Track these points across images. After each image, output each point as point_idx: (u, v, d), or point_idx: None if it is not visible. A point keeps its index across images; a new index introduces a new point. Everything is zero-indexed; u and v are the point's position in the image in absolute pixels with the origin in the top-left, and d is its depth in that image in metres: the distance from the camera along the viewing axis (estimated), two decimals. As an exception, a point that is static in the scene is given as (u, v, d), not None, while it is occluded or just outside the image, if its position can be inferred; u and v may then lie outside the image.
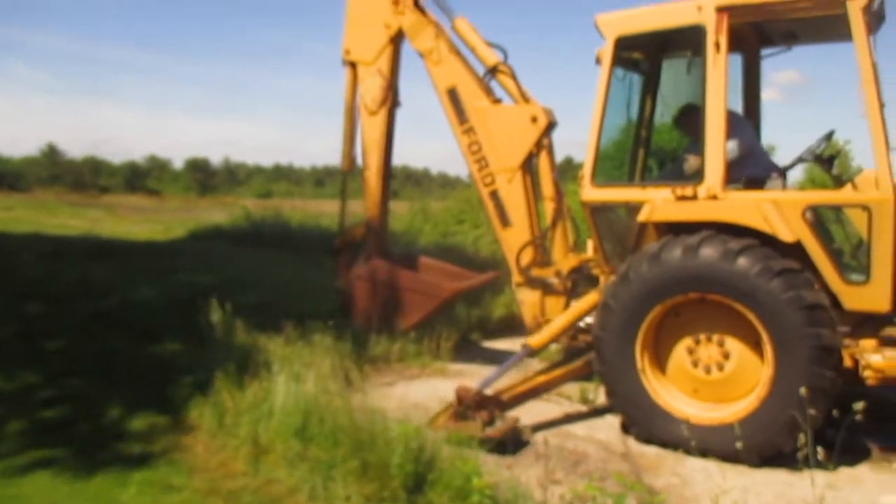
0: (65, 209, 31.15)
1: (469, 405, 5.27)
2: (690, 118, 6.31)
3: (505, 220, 7.00)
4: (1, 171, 66.11)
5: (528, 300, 6.90)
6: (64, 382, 6.42)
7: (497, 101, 7.12)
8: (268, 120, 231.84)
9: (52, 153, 71.33)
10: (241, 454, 5.02)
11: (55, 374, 6.59)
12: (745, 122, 6.30)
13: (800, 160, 5.97)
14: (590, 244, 6.83)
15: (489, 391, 5.54)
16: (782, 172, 6.07)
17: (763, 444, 4.90)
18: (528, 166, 6.99)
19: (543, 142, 6.93)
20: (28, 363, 6.80)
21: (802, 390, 4.21)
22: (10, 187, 53.76)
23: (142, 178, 75.55)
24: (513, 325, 9.19)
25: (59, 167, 69.06)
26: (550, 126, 6.91)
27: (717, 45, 5.31)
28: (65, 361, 6.92)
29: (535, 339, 6.14)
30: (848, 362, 5.04)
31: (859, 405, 3.72)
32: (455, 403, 5.35)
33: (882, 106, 4.88)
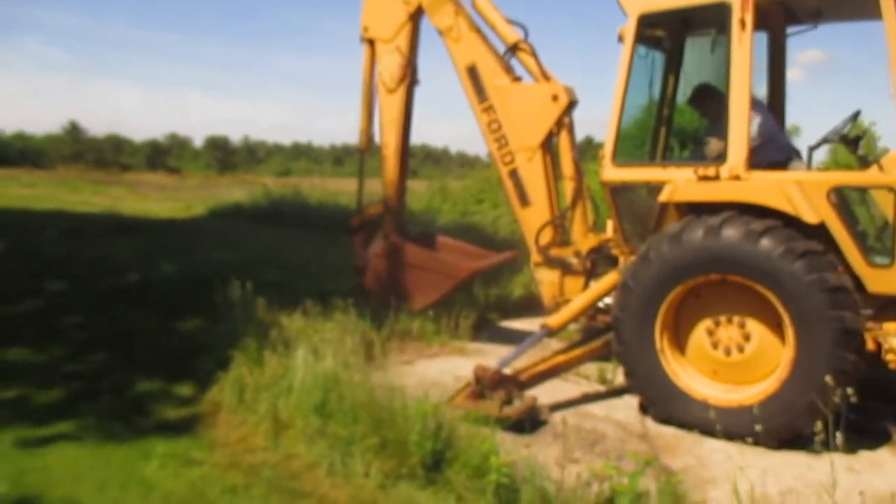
0: (87, 186, 31.40)
1: (487, 384, 5.28)
2: (704, 99, 6.26)
3: (524, 200, 6.96)
4: (24, 148, 66.78)
5: (546, 280, 6.88)
6: (86, 358, 6.51)
7: (517, 79, 7.06)
8: (286, 99, 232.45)
9: (74, 131, 71.77)
10: (261, 429, 5.08)
11: (77, 349, 6.69)
12: (763, 106, 6.22)
13: (825, 141, 5.87)
14: (609, 224, 6.79)
15: (508, 370, 5.54)
16: (802, 155, 5.99)
17: (782, 427, 4.86)
18: (548, 145, 6.94)
19: (564, 120, 6.87)
20: (50, 339, 6.91)
21: (827, 377, 4.17)
22: (33, 164, 54.23)
23: (162, 155, 75.93)
24: (531, 305, 9.18)
25: (82, 145, 69.49)
26: (571, 105, 6.85)
27: (743, 23, 5.22)
28: (86, 338, 7.02)
29: (554, 320, 6.12)
30: (871, 346, 4.99)
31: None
32: (473, 382, 5.36)
33: None
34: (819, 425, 4.01)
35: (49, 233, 12.67)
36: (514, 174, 6.96)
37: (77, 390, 5.80)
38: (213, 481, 4.43)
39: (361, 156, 8.21)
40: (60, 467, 4.53)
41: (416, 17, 7.45)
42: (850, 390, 4.11)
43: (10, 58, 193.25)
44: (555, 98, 6.76)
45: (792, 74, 6.90)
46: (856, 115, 5.81)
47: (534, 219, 6.92)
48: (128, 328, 7.35)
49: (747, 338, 5.23)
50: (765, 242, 4.89)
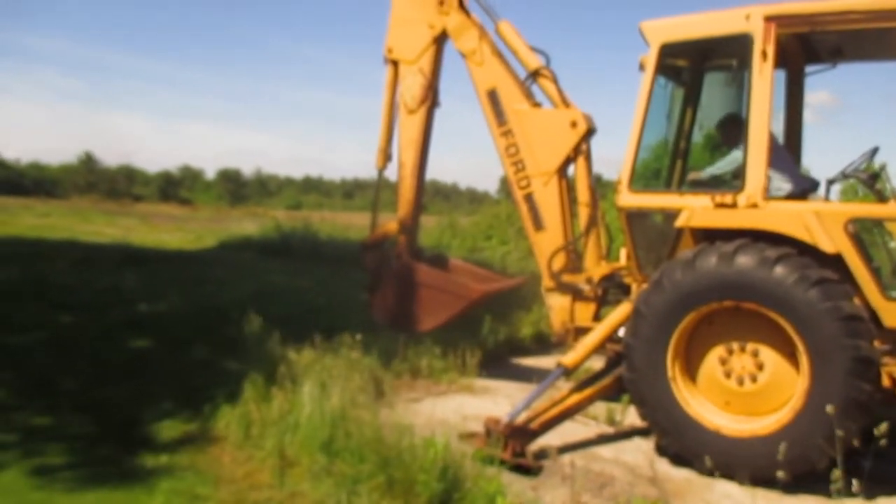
0: (99, 217, 31.62)
1: (498, 438, 5.22)
2: (730, 126, 6.27)
3: (539, 224, 6.97)
4: (39, 177, 67.51)
5: (557, 305, 6.85)
6: (93, 390, 6.50)
7: (537, 104, 7.11)
8: (298, 133, 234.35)
9: (88, 161, 72.56)
10: (267, 466, 5.04)
11: (85, 381, 6.68)
12: (776, 139, 6.25)
13: (843, 175, 5.90)
14: (622, 253, 6.79)
15: (520, 418, 5.48)
16: (820, 189, 6.03)
17: (796, 460, 4.77)
18: (565, 171, 6.97)
19: (581, 147, 6.89)
20: (58, 370, 6.90)
21: (831, 409, 4.10)
22: (47, 194, 54.77)
23: (175, 187, 76.63)
24: (541, 343, 9.15)
25: (95, 175, 70.20)
26: (590, 132, 6.89)
27: (764, 54, 5.29)
28: (94, 369, 7.00)
29: (569, 359, 6.03)
30: (886, 382, 4.95)
31: (882, 428, 3.62)
32: (484, 435, 5.31)
33: None
34: (835, 473, 3.94)
35: (60, 262, 12.74)
36: (529, 198, 6.99)
37: (84, 423, 5.78)
38: (218, 518, 4.39)
39: (379, 175, 8.22)
40: (64, 501, 4.50)
41: (440, 40, 7.53)
42: (878, 435, 4.02)
43: (26, 88, 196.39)
44: (574, 124, 6.80)
45: (802, 115, 6.95)
46: (874, 152, 5.84)
47: (547, 244, 6.93)
48: (136, 360, 7.34)
49: (760, 367, 5.20)
50: (779, 269, 4.89)
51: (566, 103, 6.98)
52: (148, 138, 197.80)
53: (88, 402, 6.20)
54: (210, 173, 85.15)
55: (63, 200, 49.29)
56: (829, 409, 4.42)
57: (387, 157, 7.99)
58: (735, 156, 5.77)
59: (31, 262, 12.60)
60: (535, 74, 7.11)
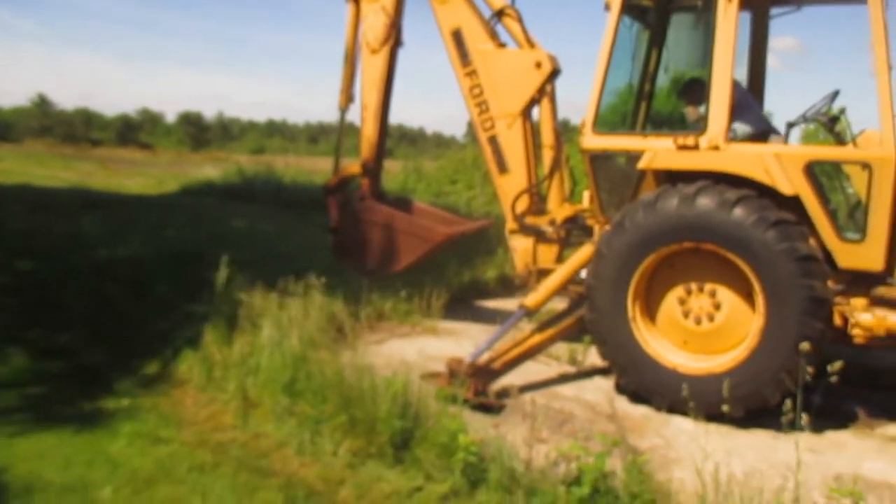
0: (56, 161, 30.83)
1: (461, 377, 5.27)
2: (694, 91, 6.27)
3: (502, 167, 6.94)
4: (-9, 121, 65.38)
5: (520, 247, 6.88)
6: (53, 335, 6.42)
7: (502, 44, 7.01)
8: (262, 76, 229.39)
9: (43, 104, 70.38)
10: (229, 408, 5.06)
11: (45, 326, 6.59)
12: (739, 83, 6.26)
13: (804, 118, 5.95)
14: (585, 195, 6.81)
15: (482, 358, 5.53)
16: (780, 131, 6.07)
17: (750, 396, 4.94)
18: (529, 113, 6.92)
19: (546, 88, 6.83)
20: (18, 317, 6.79)
21: (803, 345, 4.20)
22: (0, 138, 53.19)
23: (134, 131, 74.63)
24: (505, 285, 9.21)
25: (50, 118, 68.15)
26: (554, 73, 6.81)
27: None
28: (54, 314, 6.91)
29: (531, 300, 6.08)
30: (838, 320, 5.10)
31: (836, 365, 3.73)
32: (447, 374, 5.36)
33: (890, 68, 4.91)
34: (787, 404, 4.07)
35: (16, 208, 12.43)
36: (493, 140, 6.93)
37: (42, 367, 5.72)
38: (181, 459, 4.41)
39: (342, 115, 8.07)
40: (24, 444, 4.49)
41: None
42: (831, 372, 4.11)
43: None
44: (538, 65, 6.72)
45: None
46: (834, 95, 5.88)
47: (511, 186, 6.91)
48: (96, 305, 7.24)
49: (718, 307, 5.32)
50: (738, 211, 4.96)
51: (531, 44, 6.89)
52: (106, 80, 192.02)
53: (49, 348, 6.15)
54: (171, 117, 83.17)
55: (16, 144, 47.90)
56: (785, 347, 4.53)
57: (349, 98, 7.84)
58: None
59: (-16, 207, 12.28)
60: (499, 14, 6.98)
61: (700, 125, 5.50)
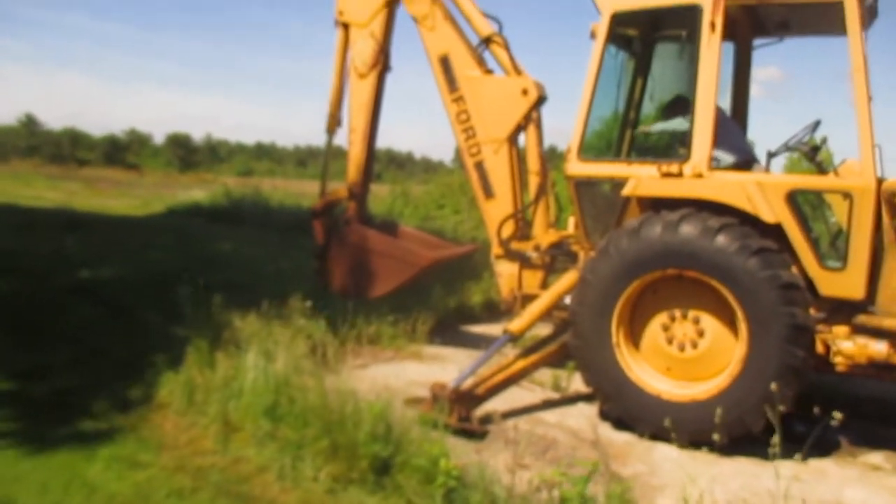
0: (41, 181, 30.71)
1: (444, 403, 5.24)
2: (678, 110, 6.33)
3: (488, 192, 6.97)
4: (-23, 140, 65.10)
5: (505, 273, 6.90)
6: (32, 356, 6.35)
7: (489, 71, 7.07)
8: (250, 98, 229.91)
9: (30, 123, 70.28)
10: (210, 432, 4.99)
11: (24, 347, 6.52)
12: (723, 111, 6.34)
13: (786, 148, 6.03)
14: (570, 221, 6.84)
15: (467, 383, 5.51)
16: (762, 161, 6.13)
17: (733, 423, 4.92)
18: (516, 139, 6.97)
19: (532, 115, 6.89)
20: (-2, 337, 6.72)
21: (774, 387, 4.24)
22: (-14, 157, 52.96)
23: (121, 151, 74.56)
24: (490, 310, 9.21)
25: (38, 138, 68.06)
26: (541, 100, 6.88)
27: (713, 25, 5.36)
28: (34, 335, 6.83)
29: (515, 325, 6.09)
30: (820, 348, 5.13)
31: (838, 415, 3.75)
32: (430, 400, 5.34)
33: (869, 99, 4.98)
34: (775, 437, 4.07)
35: (0, 227, 12.35)
36: (479, 166, 6.97)
37: (21, 389, 5.65)
38: (160, 484, 4.35)
39: (329, 138, 8.09)
40: (1, 469, 4.40)
41: (391, 3, 7.38)
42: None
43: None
44: (525, 92, 6.79)
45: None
46: (816, 125, 5.97)
47: (497, 211, 6.94)
48: (78, 326, 7.17)
49: (701, 334, 5.34)
50: (721, 239, 5.00)
51: (518, 71, 6.96)
52: (94, 101, 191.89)
53: (29, 369, 6.05)
54: (159, 138, 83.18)
55: (3, 164, 47.69)
56: (767, 374, 4.55)
57: (337, 121, 7.88)
58: (684, 121, 5.83)
59: (-33, 226, 12.19)
60: (487, 41, 7.05)
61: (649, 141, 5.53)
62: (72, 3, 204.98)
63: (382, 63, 7.54)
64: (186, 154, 78.78)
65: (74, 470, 4.45)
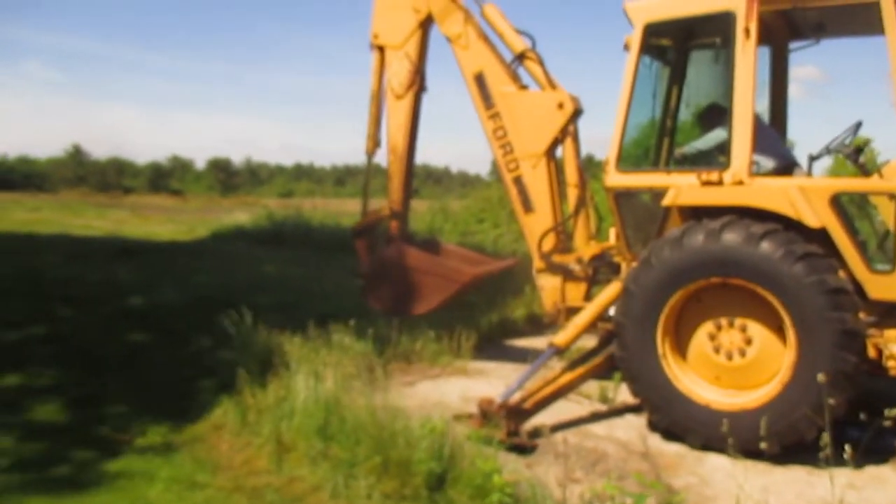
0: (90, 210, 31.50)
1: (493, 418, 5.28)
2: (713, 115, 6.32)
3: (528, 206, 7.01)
4: (28, 172, 67.17)
5: (548, 286, 6.91)
6: (91, 381, 6.54)
7: (524, 87, 7.14)
8: (287, 120, 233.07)
9: (77, 154, 72.24)
10: (264, 452, 5.09)
11: (82, 373, 6.71)
12: (761, 118, 6.31)
13: (827, 151, 5.97)
14: (612, 232, 6.84)
15: (514, 398, 5.54)
16: (803, 165, 6.09)
17: (785, 432, 4.87)
18: (553, 153, 7.01)
19: (569, 128, 6.94)
20: (55, 364, 6.93)
21: (821, 377, 4.17)
22: (37, 188, 54.65)
23: (165, 178, 76.36)
24: (533, 324, 9.22)
25: (84, 168, 69.93)
26: (577, 113, 6.92)
27: (747, 32, 5.33)
28: (91, 362, 7.04)
29: (560, 338, 6.10)
30: (872, 352, 5.04)
31: (893, 412, 3.69)
32: (478, 415, 5.38)
33: None
34: (824, 438, 4.02)
35: (53, 257, 12.72)
36: (518, 181, 7.03)
37: (83, 414, 5.82)
38: (218, 504, 4.45)
39: (368, 160, 8.22)
40: (68, 497, 4.55)
41: (425, 24, 7.51)
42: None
43: (11, 81, 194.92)
44: (560, 106, 6.83)
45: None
46: (857, 126, 5.90)
47: (537, 225, 6.97)
48: (132, 352, 7.38)
49: (749, 342, 5.29)
50: (765, 245, 4.96)
51: (553, 85, 7.01)
52: (136, 129, 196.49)
53: (87, 394, 6.24)
54: (200, 163, 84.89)
55: (52, 194, 49.12)
56: (817, 381, 4.51)
57: (376, 142, 7.99)
58: (719, 132, 5.82)
59: (23, 257, 12.57)
60: (521, 57, 7.13)
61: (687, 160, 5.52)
62: (107, 33, 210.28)
63: (418, 83, 7.65)
64: (227, 178, 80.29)
65: (136, 492, 4.58)
